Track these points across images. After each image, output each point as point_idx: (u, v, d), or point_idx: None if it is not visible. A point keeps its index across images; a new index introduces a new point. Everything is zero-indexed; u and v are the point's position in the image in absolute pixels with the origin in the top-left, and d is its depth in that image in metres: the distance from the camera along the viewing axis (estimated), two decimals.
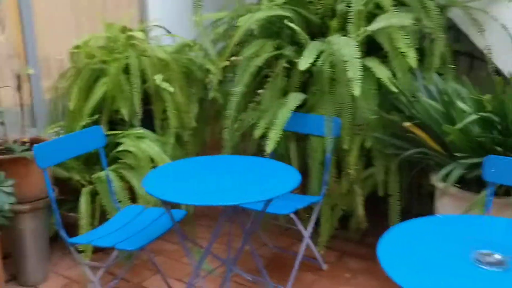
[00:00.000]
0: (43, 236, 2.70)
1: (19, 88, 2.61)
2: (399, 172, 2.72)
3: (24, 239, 2.60)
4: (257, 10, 2.81)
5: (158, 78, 2.82)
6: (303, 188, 2.97)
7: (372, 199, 2.81)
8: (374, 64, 2.57)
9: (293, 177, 2.12)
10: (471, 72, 3.09)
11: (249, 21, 2.70)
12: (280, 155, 2.92)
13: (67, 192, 2.85)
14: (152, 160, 2.75)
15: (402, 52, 2.46)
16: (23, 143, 2.61)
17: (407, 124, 2.36)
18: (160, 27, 3.37)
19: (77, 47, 3.06)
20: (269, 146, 2.61)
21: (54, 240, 2.85)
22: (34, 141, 2.67)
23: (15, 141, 2.60)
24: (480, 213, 2.07)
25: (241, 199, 1.91)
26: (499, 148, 2.10)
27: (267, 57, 2.77)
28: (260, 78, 2.90)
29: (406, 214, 3.04)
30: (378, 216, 2.74)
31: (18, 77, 2.59)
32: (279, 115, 2.67)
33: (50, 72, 3.27)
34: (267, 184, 2.08)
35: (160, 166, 2.28)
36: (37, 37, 3.11)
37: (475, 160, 2.07)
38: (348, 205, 2.87)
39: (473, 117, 2.07)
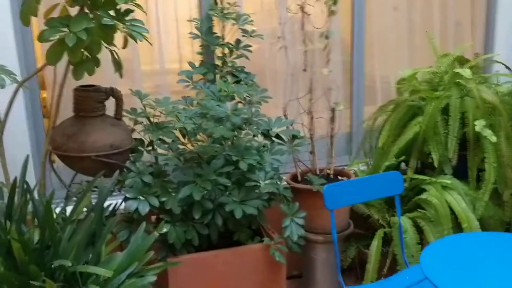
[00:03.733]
0: (334, 266, 2.72)
1: (332, 120, 2.68)
2: None
3: (315, 266, 2.67)
4: None
5: (479, 124, 2.44)
6: None
7: None
8: None
9: None
10: None
11: None
12: None
13: (367, 228, 2.80)
14: (455, 216, 2.41)
15: None
16: (328, 174, 2.67)
17: None
18: (500, 62, 2.92)
19: (403, 79, 2.95)
20: None
21: (350, 270, 2.86)
22: (337, 173, 2.71)
23: (321, 171, 2.69)
24: None
25: None
26: None
27: None
28: None
29: None
30: None
31: (332, 110, 2.65)
32: None
33: (375, 99, 3.28)
34: None
35: (451, 236, 1.96)
36: (366, 61, 3.15)
37: None
38: None
39: None
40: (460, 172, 2.63)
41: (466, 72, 2.55)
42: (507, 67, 2.87)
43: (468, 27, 3.34)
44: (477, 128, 2.45)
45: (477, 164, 2.58)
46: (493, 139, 2.42)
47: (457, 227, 2.43)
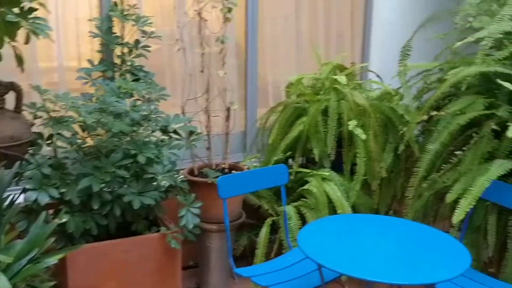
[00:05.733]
0: (227, 253, 2.94)
1: (227, 118, 2.90)
2: None
3: (209, 254, 2.87)
4: (472, 63, 2.56)
5: (352, 124, 2.80)
6: (497, 268, 2.58)
7: None
8: None
9: (463, 258, 1.87)
10: None
11: (458, 76, 2.47)
12: (475, 226, 2.60)
13: (258, 218, 3.06)
14: (333, 204, 2.75)
15: None
16: (223, 168, 2.89)
17: None
18: (371, 71, 3.34)
19: (291, 83, 3.25)
20: (458, 216, 2.36)
21: (242, 258, 3.08)
22: (232, 168, 2.94)
23: (217, 165, 2.91)
24: None
25: (399, 279, 1.77)
26: None
27: (473, 116, 2.49)
28: (463, 138, 2.63)
29: None
30: None
31: (228, 109, 2.88)
32: (477, 182, 2.39)
33: (267, 101, 3.56)
34: (431, 262, 1.88)
35: (323, 218, 2.28)
36: (259, 66, 3.41)
37: None
38: None
39: None
40: (337, 166, 2.98)
41: (342, 79, 2.91)
42: (377, 76, 3.29)
43: (348, 38, 3.75)
44: (350, 127, 2.81)
45: (351, 159, 2.95)
46: (363, 137, 2.79)
47: (334, 213, 2.77)
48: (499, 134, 2.49)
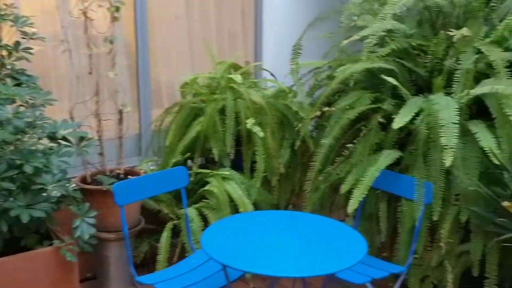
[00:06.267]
0: (127, 262, 2.83)
1: (120, 121, 2.79)
2: (501, 254, 2.38)
3: (108, 265, 2.75)
4: (358, 60, 2.69)
5: (249, 122, 2.83)
6: (390, 251, 2.75)
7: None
8: (480, 129, 2.31)
9: (360, 245, 1.96)
10: None
11: (345, 73, 2.59)
12: (368, 214, 2.75)
13: (158, 223, 2.97)
14: (234, 203, 2.75)
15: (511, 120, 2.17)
16: (118, 174, 2.77)
17: (506, 204, 2.06)
18: (265, 70, 3.39)
19: (186, 83, 3.20)
20: (352, 205, 2.46)
21: (143, 265, 2.98)
22: (128, 173, 2.83)
23: (111, 171, 2.78)
24: None
25: (301, 272, 1.80)
26: None
27: (361, 111, 2.62)
28: (353, 131, 2.76)
29: None
30: None
31: (120, 112, 2.77)
32: (367, 173, 2.52)
33: (162, 102, 3.47)
34: (331, 252, 1.95)
35: (226, 218, 2.27)
36: (151, 67, 3.32)
37: None
38: (440, 280, 2.58)
39: None
40: (237, 164, 3.00)
41: (237, 77, 2.92)
42: (271, 74, 3.35)
43: (241, 37, 3.78)
44: (248, 126, 2.84)
45: (250, 157, 2.98)
46: (261, 134, 2.83)
47: (236, 212, 2.77)
48: (385, 126, 2.65)
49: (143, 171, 2.90)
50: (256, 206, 2.92)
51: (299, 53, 2.94)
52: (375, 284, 2.88)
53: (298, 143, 2.86)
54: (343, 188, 2.60)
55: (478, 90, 2.21)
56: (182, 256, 2.71)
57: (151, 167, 3.01)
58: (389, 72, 2.62)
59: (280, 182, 3.05)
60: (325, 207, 2.96)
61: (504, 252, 2.41)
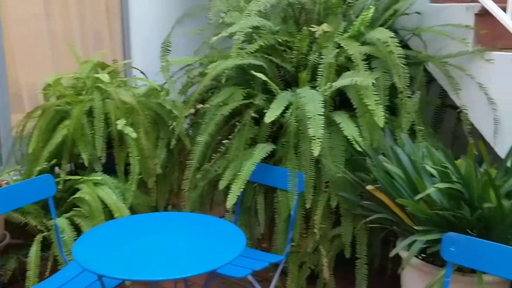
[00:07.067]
0: None
1: None
2: (369, 234, 2.56)
3: None
4: (228, 56, 2.71)
5: (120, 123, 2.72)
6: (270, 242, 2.83)
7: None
8: (343, 120, 2.45)
9: (239, 239, 1.98)
10: (458, 126, 2.94)
11: (217, 69, 2.60)
12: (247, 208, 2.79)
13: (26, 236, 2.74)
14: (108, 208, 2.63)
15: (370, 109, 2.33)
16: None
17: (369, 187, 2.22)
18: (135, 68, 3.29)
19: (48, 85, 2.99)
20: (231, 200, 2.49)
21: (12, 284, 2.74)
22: None
23: None
24: None
25: (181, 273, 1.76)
26: (462, 225, 1.94)
27: (235, 107, 2.65)
28: (228, 127, 2.79)
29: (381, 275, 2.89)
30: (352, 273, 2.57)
31: None
32: (244, 167, 2.55)
33: (23, 106, 3.21)
34: (210, 250, 1.94)
35: (100, 226, 2.16)
36: (8, 67, 3.05)
37: (434, 236, 1.91)
38: (317, 264, 2.71)
39: (431, 189, 1.92)
40: (110, 168, 2.86)
41: (104, 77, 2.79)
42: (142, 72, 3.26)
43: (107, 35, 3.62)
44: (119, 127, 2.73)
45: (123, 159, 2.86)
46: (134, 135, 2.74)
47: (111, 218, 2.65)
48: (258, 121, 2.71)
49: (4, 182, 2.65)
50: (133, 210, 2.82)
51: (168, 50, 2.89)
52: (257, 275, 2.96)
53: (173, 142, 2.81)
54: (221, 184, 2.61)
55: (340, 82, 2.34)
56: (55, 270, 2.53)
57: (14, 177, 2.77)
58: (259, 68, 2.68)
59: (157, 183, 2.98)
60: (205, 205, 2.95)
61: (372, 233, 2.60)
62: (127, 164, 2.87)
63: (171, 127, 2.87)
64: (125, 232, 2.10)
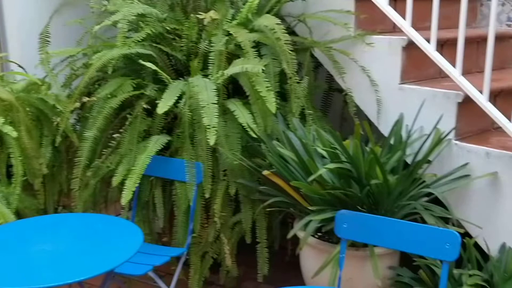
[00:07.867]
0: None
1: None
2: (268, 219, 2.61)
3: None
4: (113, 46, 2.59)
5: None
6: (170, 236, 2.78)
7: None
8: (237, 107, 2.46)
9: (136, 236, 1.92)
10: (345, 109, 3.07)
11: (102, 60, 2.47)
12: (144, 203, 2.71)
13: None
14: None
15: (262, 96, 2.36)
16: None
17: (265, 172, 2.25)
18: (12, 62, 3.04)
19: None
20: (126, 197, 2.40)
21: None
22: None
23: None
24: (337, 268, 1.99)
25: (74, 277, 1.66)
26: (353, 202, 2.04)
27: (124, 98, 2.55)
28: (119, 120, 2.68)
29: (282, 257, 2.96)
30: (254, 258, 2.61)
31: None
32: (138, 161, 2.47)
33: None
34: (105, 250, 1.86)
35: None
36: None
37: (328, 215, 1.99)
38: (219, 253, 2.71)
39: (322, 170, 1.99)
40: None
41: None
42: (20, 66, 3.01)
43: None
44: None
45: (4, 161, 2.64)
46: (14, 134, 2.52)
47: None
48: (151, 112, 2.63)
49: None
50: (20, 215, 2.61)
51: (47, 41, 2.69)
52: (160, 270, 2.90)
53: (59, 139, 2.64)
54: (115, 180, 2.51)
55: (231, 70, 2.34)
56: None
57: None
58: (148, 57, 2.59)
59: (44, 184, 2.78)
60: (98, 204, 2.83)
61: (270, 217, 2.65)
62: (9, 166, 2.65)
63: (56, 123, 2.69)
64: (10, 238, 1.94)
